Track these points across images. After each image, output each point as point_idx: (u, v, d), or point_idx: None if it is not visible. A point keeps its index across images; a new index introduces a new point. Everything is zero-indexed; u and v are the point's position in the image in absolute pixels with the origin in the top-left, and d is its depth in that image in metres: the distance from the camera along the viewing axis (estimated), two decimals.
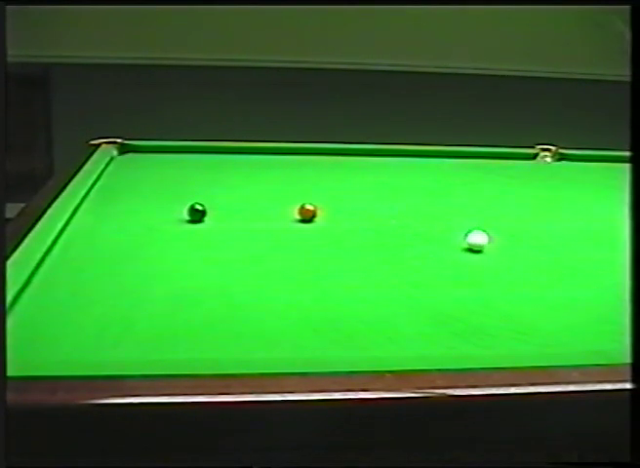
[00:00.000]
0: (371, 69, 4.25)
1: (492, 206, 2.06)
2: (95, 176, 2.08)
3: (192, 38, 4.14)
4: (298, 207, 1.77)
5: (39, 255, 1.37)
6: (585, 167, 2.62)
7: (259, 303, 1.24)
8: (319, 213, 1.77)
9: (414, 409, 0.93)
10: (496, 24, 4.29)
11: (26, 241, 1.43)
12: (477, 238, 1.57)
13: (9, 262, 1.25)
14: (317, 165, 2.49)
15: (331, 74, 4.23)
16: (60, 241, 1.51)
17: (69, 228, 1.60)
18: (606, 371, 0.98)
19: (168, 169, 2.36)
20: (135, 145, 2.54)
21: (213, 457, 0.91)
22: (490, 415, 0.94)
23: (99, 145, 2.45)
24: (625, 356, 0.90)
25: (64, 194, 1.83)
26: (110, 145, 2.47)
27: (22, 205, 1.75)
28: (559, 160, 2.71)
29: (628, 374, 0.89)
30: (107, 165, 2.27)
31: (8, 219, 1.39)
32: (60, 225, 1.58)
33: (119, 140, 2.51)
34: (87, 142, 2.48)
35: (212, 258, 1.49)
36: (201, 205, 1.73)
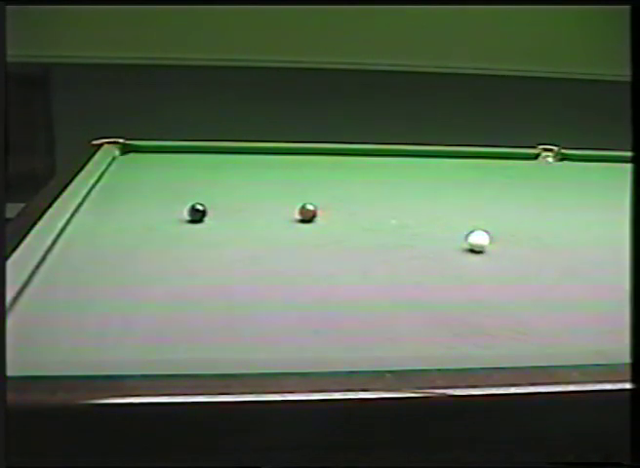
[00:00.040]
0: (371, 69, 4.25)
1: (492, 206, 2.06)
2: (96, 176, 2.08)
3: (192, 38, 4.14)
4: (298, 207, 1.77)
5: (39, 255, 1.37)
6: (587, 167, 2.62)
7: (259, 303, 1.24)
8: (319, 213, 1.77)
9: (414, 409, 0.93)
10: (496, 24, 4.29)
11: (27, 240, 1.43)
12: (479, 238, 1.56)
13: (9, 262, 1.25)
14: (317, 165, 2.49)
15: (331, 74, 4.23)
16: (61, 240, 1.51)
17: (70, 228, 1.60)
18: (606, 371, 0.98)
19: (169, 169, 2.36)
20: (137, 145, 2.54)
21: (213, 457, 0.90)
22: (490, 415, 0.94)
23: (101, 145, 2.45)
24: (625, 356, 0.90)
25: (66, 194, 1.83)
26: (112, 145, 2.47)
27: (23, 205, 1.75)
28: (561, 160, 2.70)
29: (628, 374, 0.89)
30: (109, 165, 2.27)
31: (8, 219, 1.39)
32: (60, 225, 1.58)
33: (121, 140, 2.51)
34: (89, 142, 2.48)
35: (212, 258, 1.49)
36: (201, 205, 1.73)
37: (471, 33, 4.28)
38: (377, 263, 1.50)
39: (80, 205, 1.78)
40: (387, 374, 0.95)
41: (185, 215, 1.72)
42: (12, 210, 1.43)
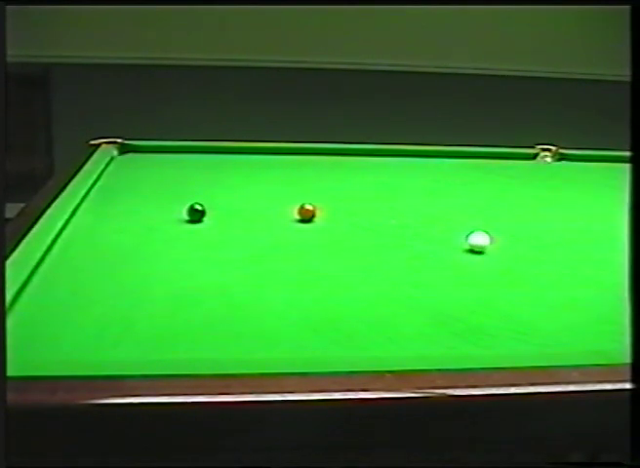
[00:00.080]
0: (371, 69, 4.25)
1: (492, 206, 2.06)
2: (95, 176, 2.08)
3: (192, 38, 4.14)
4: (297, 207, 1.77)
5: (39, 255, 1.37)
6: (585, 167, 2.63)
7: (259, 303, 1.24)
8: (318, 213, 1.77)
9: (414, 409, 0.93)
10: (496, 24, 4.29)
11: (26, 240, 1.43)
12: (479, 239, 1.56)
13: (9, 262, 1.25)
14: (317, 165, 2.49)
15: (331, 74, 4.23)
16: (60, 240, 1.51)
17: (69, 228, 1.60)
18: (606, 371, 0.98)
19: (168, 169, 2.36)
20: (135, 145, 2.54)
21: (213, 457, 0.90)
22: (490, 415, 0.94)
23: (99, 145, 2.45)
24: (625, 356, 0.90)
25: (64, 194, 1.83)
26: (110, 145, 2.47)
27: (22, 205, 1.75)
28: (559, 160, 2.71)
29: (628, 374, 0.89)
30: (107, 165, 2.27)
31: (8, 219, 1.39)
32: (59, 225, 1.58)
33: (119, 140, 2.51)
34: (87, 142, 2.48)
35: (212, 258, 1.49)
36: (201, 205, 1.73)
37: (471, 33, 4.28)
38: (377, 263, 1.50)
39: (79, 205, 1.78)
40: (387, 374, 0.95)
41: (184, 216, 1.72)
42: (11, 210, 1.43)
